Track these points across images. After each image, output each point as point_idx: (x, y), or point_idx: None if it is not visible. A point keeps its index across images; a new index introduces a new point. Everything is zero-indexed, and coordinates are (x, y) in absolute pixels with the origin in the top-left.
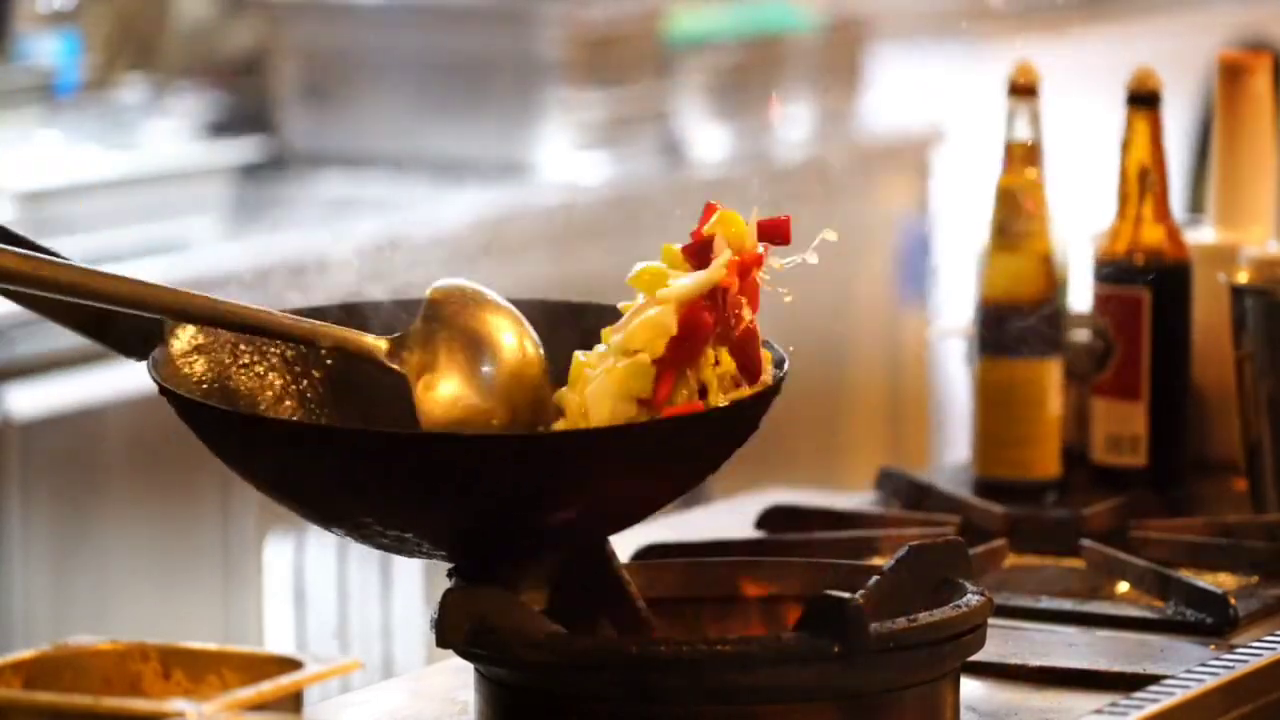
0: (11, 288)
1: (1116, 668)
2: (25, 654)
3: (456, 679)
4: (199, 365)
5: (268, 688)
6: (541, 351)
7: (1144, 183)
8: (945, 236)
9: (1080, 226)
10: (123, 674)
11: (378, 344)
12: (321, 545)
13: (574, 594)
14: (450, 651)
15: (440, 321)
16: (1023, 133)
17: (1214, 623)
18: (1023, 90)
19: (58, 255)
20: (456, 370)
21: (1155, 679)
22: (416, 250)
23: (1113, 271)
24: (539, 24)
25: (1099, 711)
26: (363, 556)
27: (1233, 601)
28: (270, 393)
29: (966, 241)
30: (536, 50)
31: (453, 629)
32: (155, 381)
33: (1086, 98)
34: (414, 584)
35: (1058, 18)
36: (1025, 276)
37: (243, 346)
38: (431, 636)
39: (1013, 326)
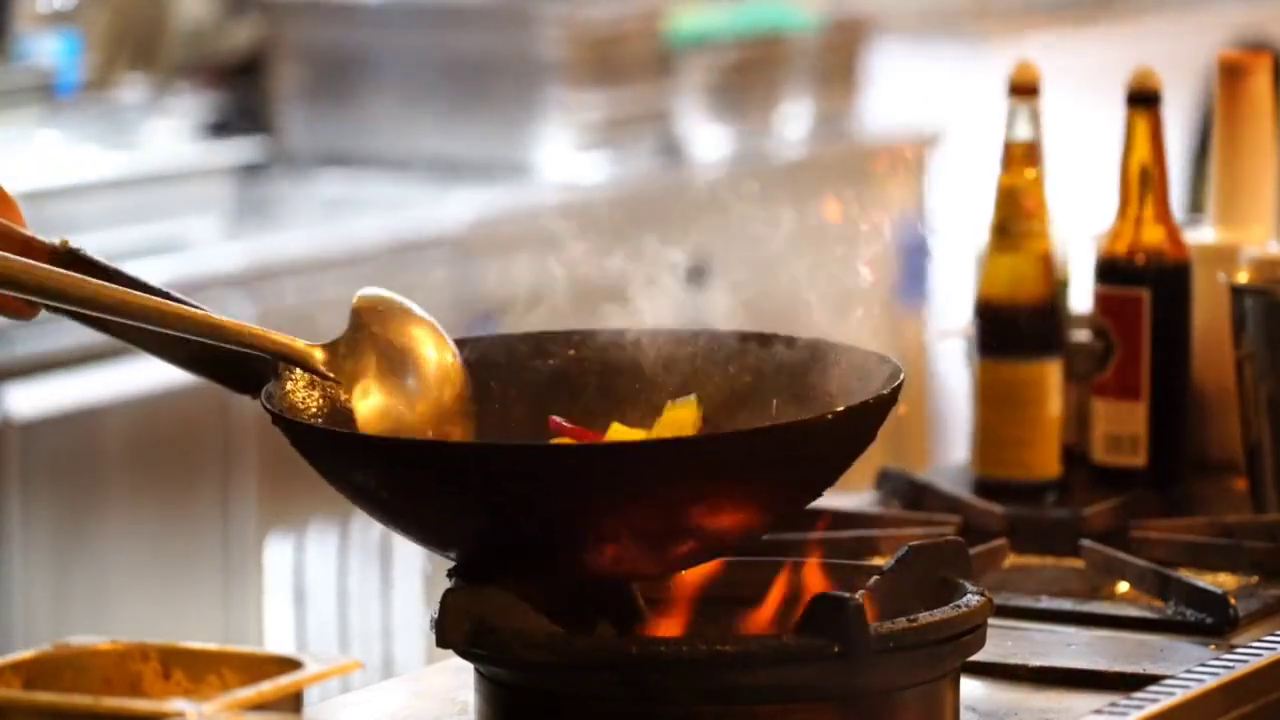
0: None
1: (1116, 668)
2: (25, 654)
3: (456, 679)
4: (312, 400)
5: (268, 688)
6: (460, 363)
7: (1144, 183)
8: (945, 236)
9: (1080, 226)
10: (123, 674)
11: (314, 351)
12: (321, 545)
13: (575, 594)
14: (450, 651)
15: (366, 331)
16: (1023, 133)
17: (1214, 623)
18: (1023, 90)
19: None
20: (384, 381)
21: (1155, 679)
22: (416, 250)
23: (1113, 271)
24: (539, 24)
25: (1099, 711)
26: (363, 556)
27: (1233, 601)
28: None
29: (966, 241)
30: (536, 50)
31: (453, 629)
32: (268, 411)
33: (1086, 98)
34: (414, 584)
35: (1058, 18)
36: (1025, 276)
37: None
38: (431, 636)
39: (1013, 326)
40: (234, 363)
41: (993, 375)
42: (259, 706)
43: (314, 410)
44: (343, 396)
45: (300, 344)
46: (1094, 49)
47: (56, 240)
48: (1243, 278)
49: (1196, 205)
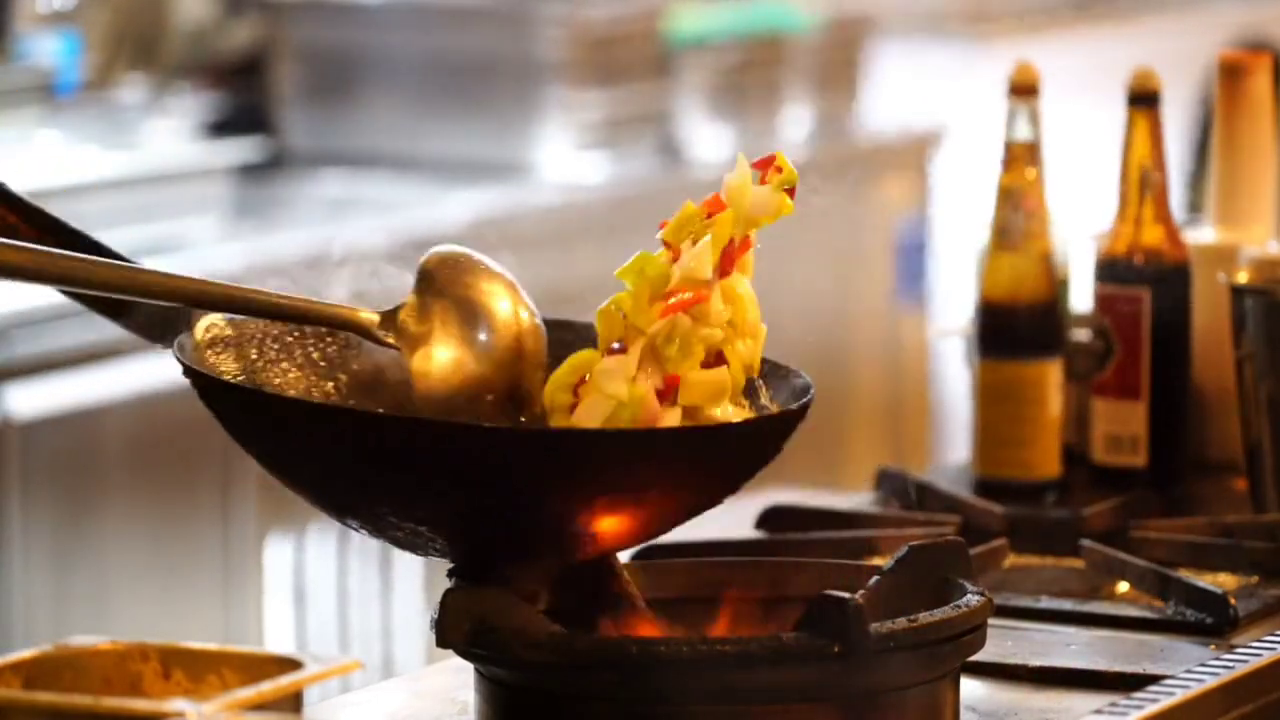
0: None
1: (1116, 668)
2: (25, 654)
3: (456, 679)
4: (226, 359)
5: (268, 688)
6: (539, 320)
7: (1144, 183)
8: (945, 236)
9: (1080, 226)
10: (123, 674)
11: (369, 317)
12: (321, 545)
13: (574, 594)
14: (450, 651)
15: (434, 291)
16: (1023, 133)
17: (1214, 623)
18: (1023, 90)
19: (64, 227)
20: (452, 339)
21: (1155, 679)
22: (416, 250)
23: (1113, 271)
24: (539, 24)
25: (1099, 711)
26: (363, 556)
27: (1233, 601)
28: (295, 390)
29: (966, 241)
30: (536, 50)
31: (453, 629)
32: (181, 363)
33: (1086, 98)
34: (414, 584)
35: (1058, 18)
36: (1025, 276)
37: (270, 343)
38: (431, 636)
39: (1013, 326)
40: (140, 308)
41: (993, 375)
42: (259, 706)
43: (224, 370)
44: (405, 360)
45: (358, 313)
46: (1094, 49)
47: None
48: (1243, 278)
49: (1196, 205)
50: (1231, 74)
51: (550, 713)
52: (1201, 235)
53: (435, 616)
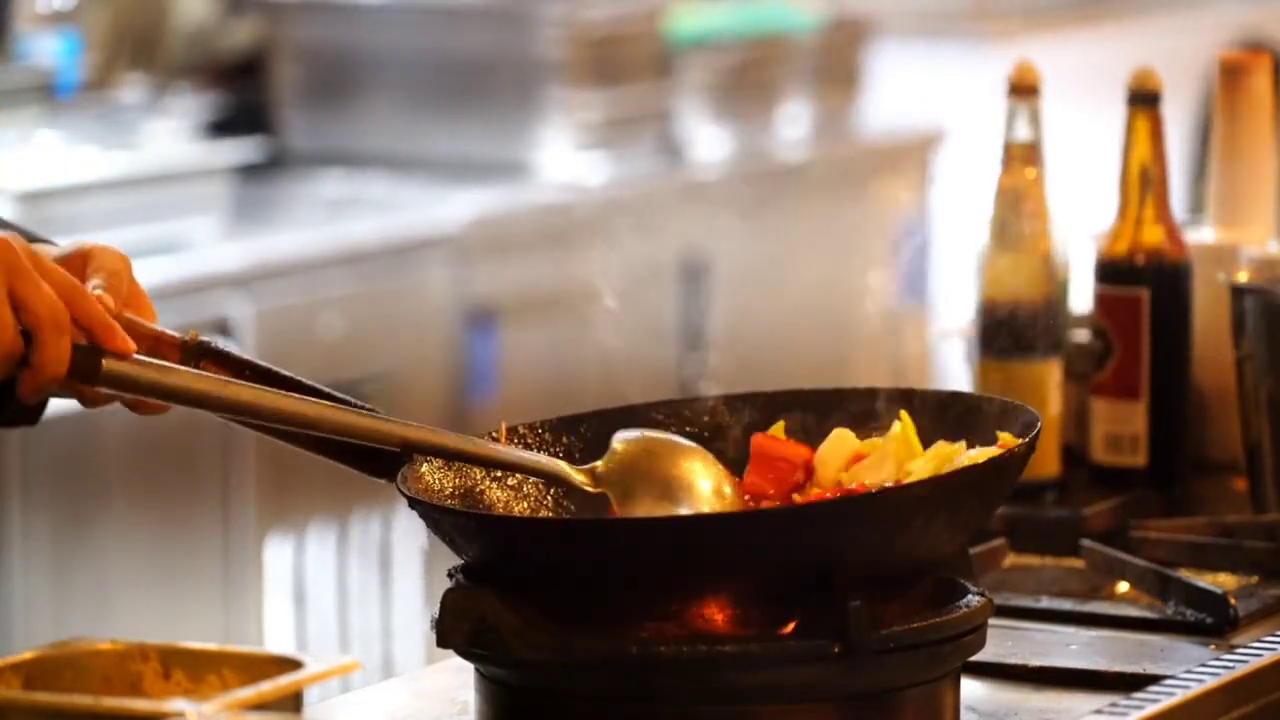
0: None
1: (1116, 668)
2: (25, 654)
3: (456, 679)
4: (448, 480)
5: (268, 688)
6: (736, 491)
7: (1144, 183)
8: (945, 236)
9: (1080, 226)
10: (123, 674)
11: (575, 474)
12: (321, 545)
13: (574, 594)
14: (450, 651)
15: (634, 465)
16: (1023, 133)
17: (1214, 623)
18: (1023, 90)
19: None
20: (653, 492)
21: (1155, 679)
22: (416, 250)
23: (1113, 271)
24: (539, 24)
25: (1099, 711)
26: (363, 556)
27: (1233, 601)
28: (524, 505)
29: (966, 241)
30: (536, 50)
31: (453, 629)
32: (403, 494)
33: (1086, 98)
34: (414, 584)
35: (1058, 18)
36: (1025, 276)
37: (479, 472)
38: (431, 636)
39: (1013, 326)
40: (366, 450)
41: (993, 375)
42: (259, 706)
43: (449, 491)
44: (614, 508)
45: (551, 461)
46: (1094, 49)
47: (185, 335)
48: (1243, 278)
49: (1196, 205)
50: (1231, 74)
51: (550, 713)
52: (1201, 235)
53: (435, 616)
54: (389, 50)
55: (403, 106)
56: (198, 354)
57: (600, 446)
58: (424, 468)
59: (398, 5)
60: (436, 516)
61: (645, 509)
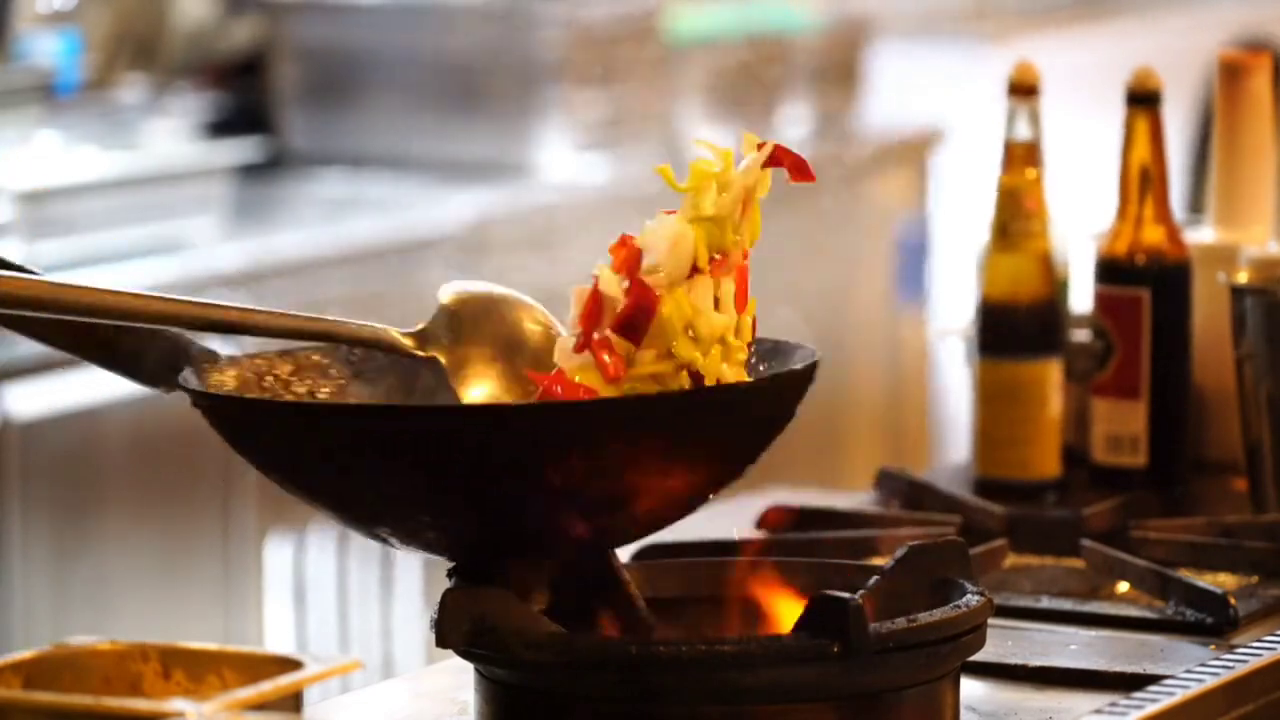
0: (20, 312)
1: (1116, 668)
2: (25, 654)
3: (456, 679)
4: (229, 382)
5: (268, 688)
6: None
7: (1144, 183)
8: (945, 236)
9: (1080, 226)
10: (123, 674)
11: (401, 338)
12: (321, 545)
13: (574, 594)
14: (450, 651)
15: (460, 325)
16: (1023, 133)
17: (1214, 623)
18: (1023, 90)
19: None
20: (488, 352)
21: (1155, 679)
22: (416, 250)
23: (1113, 271)
24: (539, 24)
25: (1099, 711)
26: (363, 556)
27: (1233, 601)
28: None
29: (966, 241)
30: (536, 50)
31: (453, 629)
32: (187, 390)
33: (1086, 98)
34: (414, 584)
35: (1058, 18)
36: (1025, 276)
37: (268, 380)
38: (431, 636)
39: (1013, 326)
40: (146, 356)
41: (993, 375)
42: (259, 706)
43: (233, 389)
44: (444, 370)
45: (390, 332)
46: (1094, 49)
47: None
48: (1243, 278)
49: (1196, 205)
50: (1231, 74)
51: (550, 713)
52: (1201, 235)
53: (435, 616)
54: (389, 50)
55: (403, 106)
56: None
57: None
58: (208, 374)
59: (398, 5)
60: (222, 407)
61: (477, 371)
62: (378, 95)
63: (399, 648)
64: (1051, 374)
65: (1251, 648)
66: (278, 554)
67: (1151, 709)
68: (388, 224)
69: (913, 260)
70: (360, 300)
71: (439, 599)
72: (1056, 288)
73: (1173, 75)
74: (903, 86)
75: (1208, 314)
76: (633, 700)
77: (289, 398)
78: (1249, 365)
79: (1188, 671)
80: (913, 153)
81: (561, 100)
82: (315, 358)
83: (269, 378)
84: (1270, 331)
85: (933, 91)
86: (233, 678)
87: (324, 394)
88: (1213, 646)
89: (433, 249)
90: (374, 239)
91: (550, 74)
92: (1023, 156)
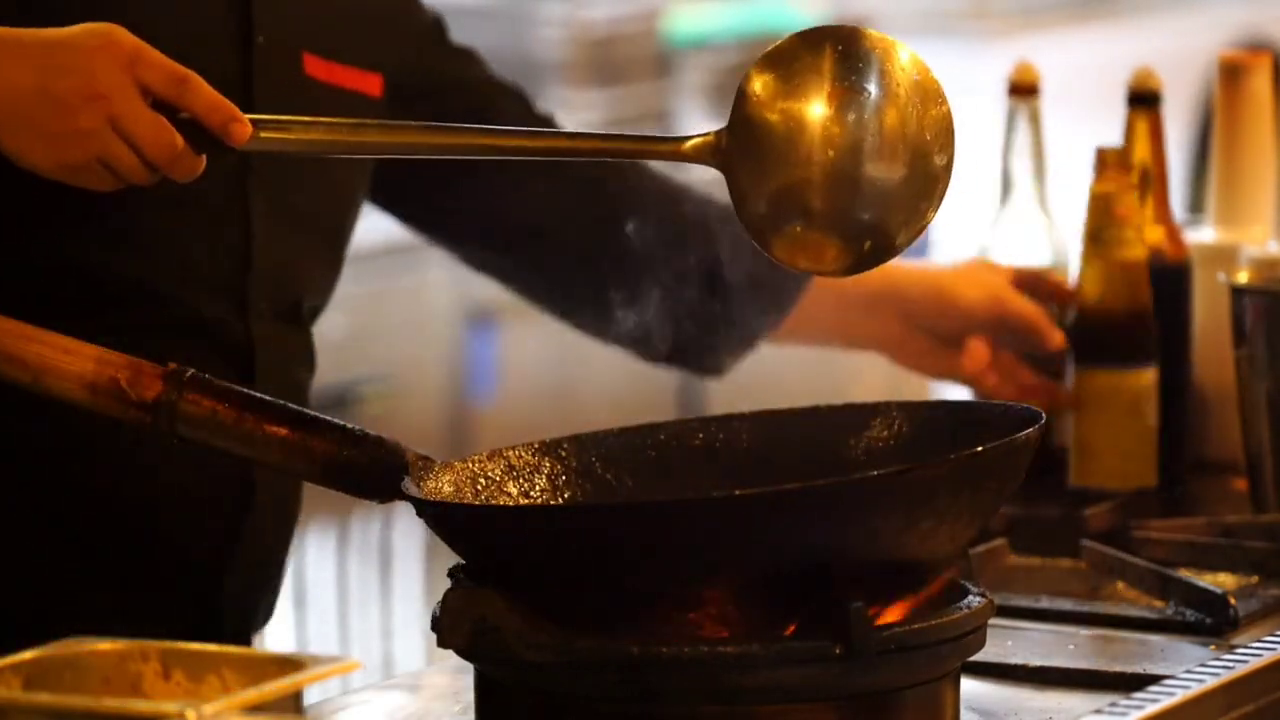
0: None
1: (1116, 668)
2: (25, 654)
3: (456, 679)
4: (446, 488)
5: (268, 688)
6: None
7: (1143, 183)
8: (945, 236)
9: (1080, 226)
10: (123, 674)
11: (675, 147)
12: (321, 545)
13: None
14: (450, 651)
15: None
16: (1112, 139)
17: (1214, 623)
18: (1023, 90)
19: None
20: (767, 154)
21: (1155, 679)
22: (416, 250)
23: None
24: (539, 24)
25: (1099, 711)
26: (363, 556)
27: (1233, 601)
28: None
29: (966, 241)
30: (536, 50)
31: (453, 629)
32: (410, 500)
33: (1086, 98)
34: (414, 584)
35: (1058, 17)
36: (1120, 284)
37: (482, 482)
38: (431, 636)
39: (1108, 335)
40: (364, 470)
41: (1089, 385)
42: (259, 706)
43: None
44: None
45: (661, 144)
46: (1094, 49)
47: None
48: (1243, 278)
49: (1196, 205)
50: (1231, 74)
51: (550, 713)
52: (1201, 235)
53: (435, 616)
54: None
55: None
56: (179, 383)
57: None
58: (424, 481)
59: None
60: (449, 515)
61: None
62: None
63: (399, 648)
64: (1147, 382)
65: (1251, 648)
66: None
67: (1151, 709)
68: (388, 224)
69: (913, 260)
70: (360, 300)
71: (439, 599)
72: (1150, 294)
73: (1173, 75)
74: None
75: (1208, 314)
76: (633, 700)
77: (503, 500)
78: (1249, 365)
79: (1188, 671)
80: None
81: (561, 100)
82: (526, 457)
83: (481, 480)
84: (1270, 331)
85: None
86: (233, 678)
87: (536, 494)
88: (1213, 646)
89: (433, 249)
90: (374, 239)
91: (550, 74)
92: (1115, 163)
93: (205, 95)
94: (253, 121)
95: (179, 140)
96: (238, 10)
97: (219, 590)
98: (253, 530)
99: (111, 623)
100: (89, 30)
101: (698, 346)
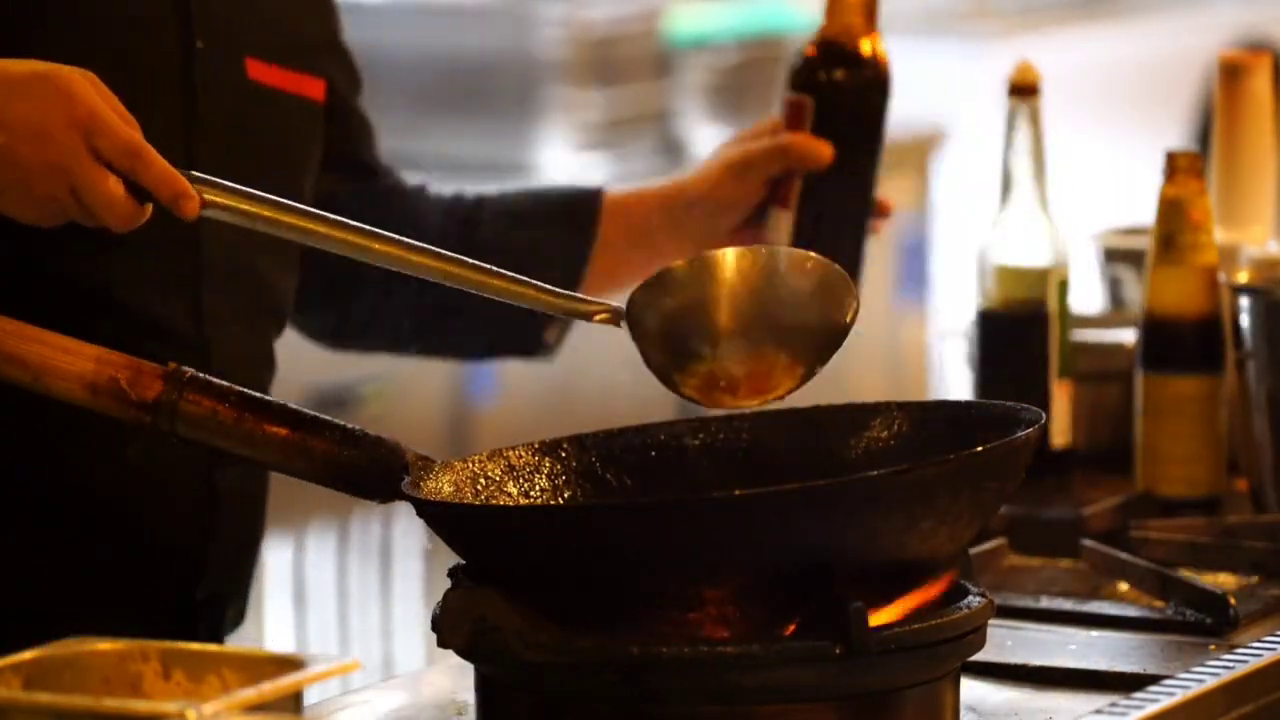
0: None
1: (1116, 668)
2: (25, 654)
3: (456, 679)
4: (447, 488)
5: (268, 688)
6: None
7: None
8: (945, 236)
9: (1080, 226)
10: (123, 674)
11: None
12: (321, 545)
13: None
14: (450, 651)
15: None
16: (1180, 143)
17: (1214, 623)
18: (1023, 90)
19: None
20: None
21: (1155, 679)
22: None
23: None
24: (539, 24)
25: (1099, 711)
26: (363, 556)
27: (1233, 601)
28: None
29: (966, 241)
30: (536, 50)
31: (453, 629)
32: (410, 499)
33: (1087, 97)
34: (414, 584)
35: (1058, 17)
36: (1191, 290)
37: (482, 482)
38: (431, 636)
39: (1179, 340)
40: (364, 470)
41: (1159, 390)
42: (259, 706)
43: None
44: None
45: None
46: (1094, 49)
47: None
48: (1243, 278)
49: None
50: (1231, 74)
51: (550, 713)
52: None
53: (435, 616)
54: (390, 50)
55: (403, 106)
56: (179, 383)
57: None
58: (425, 481)
59: (399, 5)
60: (449, 515)
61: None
62: (378, 95)
63: (399, 648)
64: (1216, 389)
65: (1251, 648)
66: (278, 554)
67: (1151, 709)
68: None
69: (913, 260)
70: None
71: (439, 599)
72: (1220, 301)
73: (1173, 75)
74: (903, 86)
75: None
76: (633, 701)
77: (504, 500)
78: (1249, 365)
79: (1188, 672)
80: (913, 153)
81: (561, 100)
82: (526, 457)
83: (481, 480)
84: (1270, 331)
85: (933, 91)
86: (233, 678)
87: (537, 494)
88: (1213, 646)
89: None
90: None
91: (550, 74)
92: (1186, 167)
93: (156, 169)
94: (199, 190)
95: (142, 210)
96: (178, 15)
97: (191, 594)
98: (222, 530)
99: (86, 630)
100: (42, 77)
101: (505, 335)
